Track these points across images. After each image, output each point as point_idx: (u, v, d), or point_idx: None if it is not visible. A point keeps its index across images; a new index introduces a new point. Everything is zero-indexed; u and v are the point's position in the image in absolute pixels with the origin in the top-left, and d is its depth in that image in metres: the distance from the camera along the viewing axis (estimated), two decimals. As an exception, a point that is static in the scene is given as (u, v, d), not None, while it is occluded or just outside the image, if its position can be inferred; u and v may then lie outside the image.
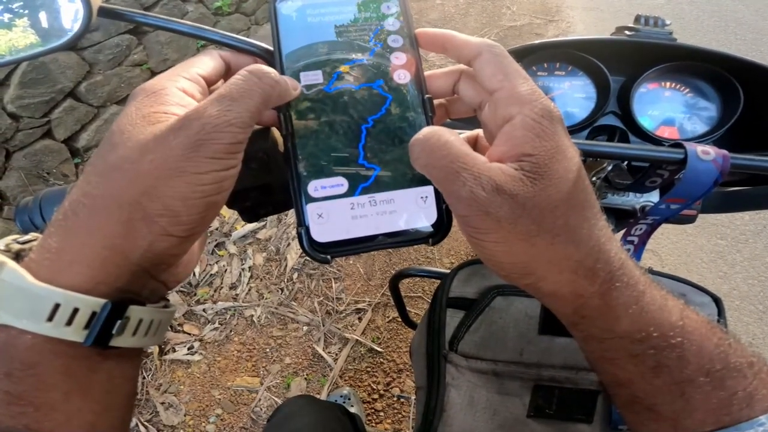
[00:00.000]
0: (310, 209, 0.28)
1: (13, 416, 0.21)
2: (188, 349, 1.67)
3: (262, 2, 3.90)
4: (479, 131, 0.32)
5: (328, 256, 0.28)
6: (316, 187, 0.28)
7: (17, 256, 0.24)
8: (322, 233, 0.28)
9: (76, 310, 0.22)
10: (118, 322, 0.23)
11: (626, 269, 0.25)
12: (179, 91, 0.26)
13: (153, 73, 2.70)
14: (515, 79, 0.26)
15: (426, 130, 0.25)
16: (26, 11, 0.37)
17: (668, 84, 0.58)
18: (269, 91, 0.26)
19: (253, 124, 0.25)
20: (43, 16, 0.38)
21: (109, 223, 0.22)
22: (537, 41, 0.55)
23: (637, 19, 0.55)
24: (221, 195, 0.25)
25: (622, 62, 0.56)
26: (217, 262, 1.91)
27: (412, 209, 0.28)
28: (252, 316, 1.77)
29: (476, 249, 0.26)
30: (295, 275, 1.89)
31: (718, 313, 0.51)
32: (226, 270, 1.90)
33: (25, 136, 1.91)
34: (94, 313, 0.22)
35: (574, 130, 0.57)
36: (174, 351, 1.65)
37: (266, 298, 1.82)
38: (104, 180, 0.23)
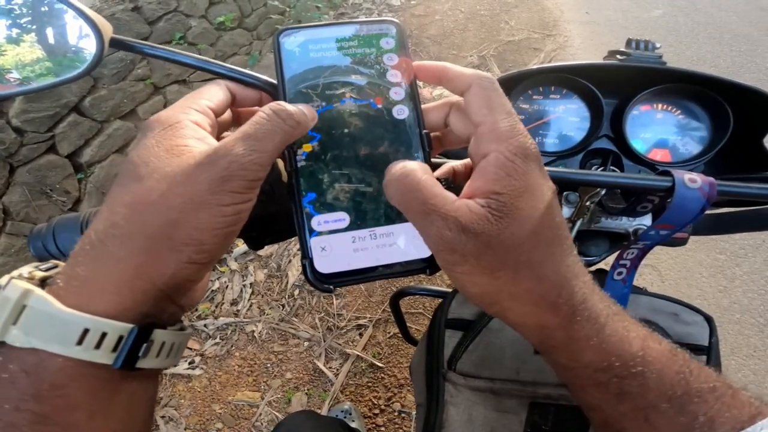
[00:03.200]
0: (314, 242, 0.29)
1: None
2: (189, 363, 1.67)
3: (264, 18, 3.93)
4: (466, 161, 0.33)
5: (331, 286, 0.29)
6: (319, 221, 0.29)
7: (42, 283, 0.25)
8: (325, 265, 0.29)
9: (104, 335, 0.23)
10: (144, 345, 0.24)
11: (588, 303, 0.26)
12: (192, 123, 0.28)
13: (156, 89, 2.74)
14: (498, 115, 0.27)
15: (399, 169, 0.27)
16: (34, 27, 0.38)
17: (660, 106, 0.59)
18: (291, 132, 0.27)
19: (272, 162, 0.27)
20: (50, 32, 0.39)
21: (138, 253, 0.24)
22: (533, 66, 0.56)
23: (628, 43, 0.56)
24: (239, 225, 0.27)
25: (615, 86, 0.57)
26: (218, 278, 1.92)
27: (410, 241, 0.30)
28: (253, 331, 1.77)
29: (449, 277, 0.28)
30: (297, 291, 1.90)
31: (710, 331, 0.52)
32: (227, 286, 1.90)
33: (29, 151, 1.92)
34: (120, 337, 0.23)
35: (568, 154, 0.58)
36: (175, 365, 1.65)
37: (267, 314, 1.83)
38: (132, 211, 0.24)
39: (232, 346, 1.73)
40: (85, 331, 0.22)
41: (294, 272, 1.93)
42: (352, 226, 0.29)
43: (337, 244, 0.29)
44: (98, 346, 0.23)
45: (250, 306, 1.86)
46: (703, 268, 1.98)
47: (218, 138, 0.29)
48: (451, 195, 0.26)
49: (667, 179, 0.36)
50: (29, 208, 1.91)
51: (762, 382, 1.63)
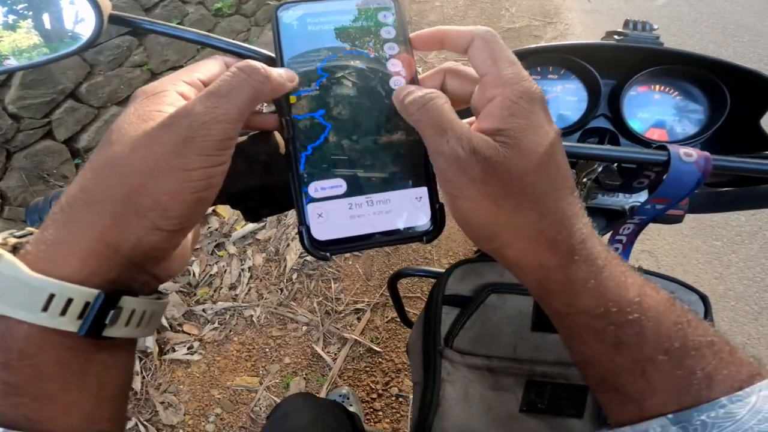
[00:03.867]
0: (311, 209, 0.29)
1: (12, 406, 0.22)
2: (188, 348, 1.68)
3: (262, 3, 3.90)
4: (471, 119, 0.33)
5: (328, 254, 0.29)
6: (316, 188, 0.29)
7: (14, 250, 0.24)
8: (321, 232, 0.29)
9: (70, 301, 0.22)
10: (111, 312, 0.24)
11: (587, 244, 0.26)
12: (176, 93, 0.27)
13: (153, 74, 2.72)
14: (501, 63, 0.28)
15: (427, 91, 0.28)
16: (30, 13, 0.38)
17: (657, 87, 0.59)
18: (259, 87, 0.27)
19: (242, 120, 0.26)
20: (46, 18, 0.39)
21: (102, 217, 0.23)
22: (531, 46, 0.56)
23: (626, 24, 0.56)
24: (211, 191, 0.26)
25: (612, 66, 0.57)
26: (216, 263, 1.92)
27: (407, 209, 0.30)
28: (251, 316, 1.78)
29: (450, 207, 0.28)
30: (295, 276, 1.90)
31: (705, 310, 0.52)
32: (225, 270, 1.91)
33: (26, 137, 1.91)
34: (87, 304, 0.23)
35: (566, 132, 0.58)
36: (173, 351, 1.66)
37: (266, 299, 1.83)
38: (98, 175, 0.24)
39: (230, 330, 1.74)
40: (51, 297, 0.22)
41: (292, 256, 1.93)
42: (348, 193, 0.30)
43: (334, 211, 0.29)
44: (64, 312, 0.22)
45: (249, 290, 1.86)
46: (700, 254, 2.00)
47: None
48: (465, 123, 0.27)
49: (662, 153, 0.37)
50: (26, 193, 1.90)
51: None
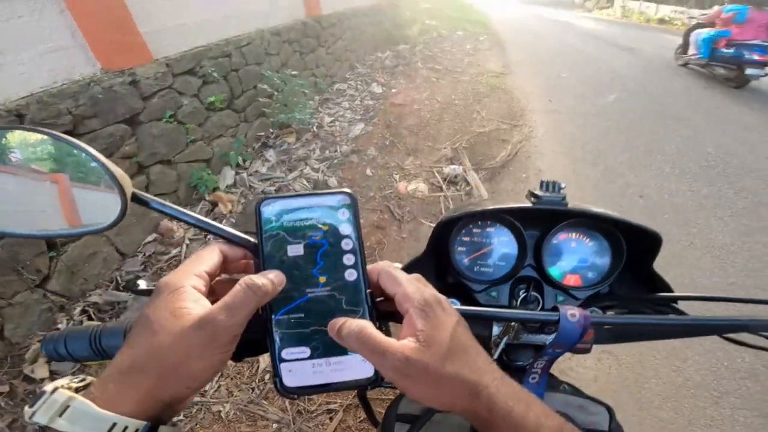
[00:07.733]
0: (283, 366, 0.40)
1: None
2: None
3: (253, 100, 4.12)
4: None
5: (295, 396, 0.41)
6: (287, 353, 0.40)
7: (76, 390, 0.35)
8: (290, 381, 0.40)
9: (126, 428, 0.33)
10: None
11: (501, 390, 0.37)
12: (192, 288, 0.39)
13: (141, 167, 2.85)
14: (404, 284, 0.40)
15: (355, 327, 0.38)
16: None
17: (574, 235, 0.71)
18: (260, 301, 0.39)
19: (246, 322, 0.38)
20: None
21: (152, 381, 0.35)
22: (473, 209, 0.69)
23: (541, 185, 0.68)
24: (224, 364, 0.39)
25: (533, 222, 0.70)
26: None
27: (357, 367, 0.40)
28: (220, 411, 1.78)
29: (407, 395, 0.39)
30: (267, 376, 1.93)
31: (609, 419, 0.64)
32: (196, 369, 1.90)
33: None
34: (136, 430, 0.34)
35: (500, 281, 0.70)
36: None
37: (236, 396, 1.84)
38: (149, 355, 0.36)
39: (196, 424, 1.73)
40: (113, 425, 0.33)
41: (265, 358, 1.95)
42: (312, 356, 0.40)
43: (301, 368, 0.40)
44: None
45: (218, 387, 1.88)
46: (656, 351, 2.12)
47: (211, 287, 0.42)
48: (393, 340, 0.38)
49: (554, 314, 0.47)
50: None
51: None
